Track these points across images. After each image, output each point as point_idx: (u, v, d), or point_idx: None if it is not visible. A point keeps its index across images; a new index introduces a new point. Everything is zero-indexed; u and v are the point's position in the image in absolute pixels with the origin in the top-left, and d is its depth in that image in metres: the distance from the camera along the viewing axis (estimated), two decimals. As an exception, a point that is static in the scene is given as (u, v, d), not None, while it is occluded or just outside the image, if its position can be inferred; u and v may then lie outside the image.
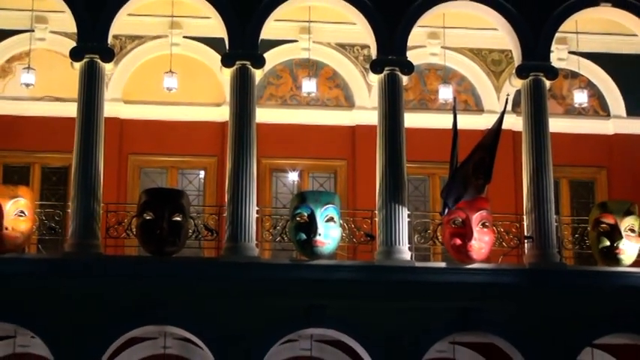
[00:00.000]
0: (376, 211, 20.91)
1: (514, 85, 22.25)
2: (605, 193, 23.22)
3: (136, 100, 23.17)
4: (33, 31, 22.39)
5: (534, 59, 21.58)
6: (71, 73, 21.22)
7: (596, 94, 23.91)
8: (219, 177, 22.37)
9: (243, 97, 21.04)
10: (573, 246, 21.68)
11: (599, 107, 23.94)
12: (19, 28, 22.58)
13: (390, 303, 20.23)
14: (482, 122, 22.82)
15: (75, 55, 20.96)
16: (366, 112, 23.04)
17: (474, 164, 20.09)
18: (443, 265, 20.96)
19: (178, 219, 20.12)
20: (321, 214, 20.23)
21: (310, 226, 20.15)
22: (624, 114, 23.80)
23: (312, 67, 23.32)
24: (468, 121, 21.86)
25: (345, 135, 23.44)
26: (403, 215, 20.69)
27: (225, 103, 21.83)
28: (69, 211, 20.55)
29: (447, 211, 20.36)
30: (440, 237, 20.98)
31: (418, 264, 20.79)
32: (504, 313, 20.42)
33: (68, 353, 19.69)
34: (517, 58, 21.80)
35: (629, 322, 20.58)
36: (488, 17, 22.00)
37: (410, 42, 21.61)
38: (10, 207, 19.79)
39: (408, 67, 21.45)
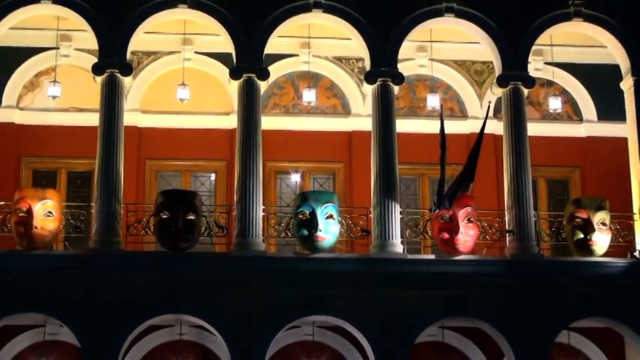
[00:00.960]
0: (371, 209, 20.92)
1: (495, 93, 22.19)
2: (578, 191, 23.17)
3: (152, 110, 23.13)
4: (58, 48, 22.39)
5: (513, 70, 21.57)
6: (93, 86, 21.27)
7: (569, 101, 23.86)
8: (228, 179, 22.33)
9: (249, 106, 21.08)
10: (550, 238, 21.68)
11: (573, 112, 23.92)
12: (46, 45, 22.50)
13: (384, 292, 20.23)
14: (466, 127, 22.91)
15: (97, 69, 21.01)
16: (361, 119, 23.03)
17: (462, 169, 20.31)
18: (432, 257, 20.96)
19: (192, 217, 20.15)
20: (322, 211, 20.27)
21: (312, 223, 20.20)
22: (595, 118, 23.73)
23: (312, 79, 23.32)
24: (454, 127, 21.89)
25: (343, 140, 23.40)
26: (396, 212, 20.72)
27: (234, 112, 21.82)
28: (92, 211, 20.62)
29: (436, 210, 20.37)
30: (429, 231, 20.97)
31: (410, 256, 20.80)
32: (488, 300, 20.46)
33: (93, 340, 19.72)
34: (497, 69, 21.80)
35: (602, 308, 20.61)
36: (471, 32, 22.02)
37: (400, 55, 21.61)
38: (39, 208, 19.82)
39: (399, 78, 21.46)
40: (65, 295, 19.81)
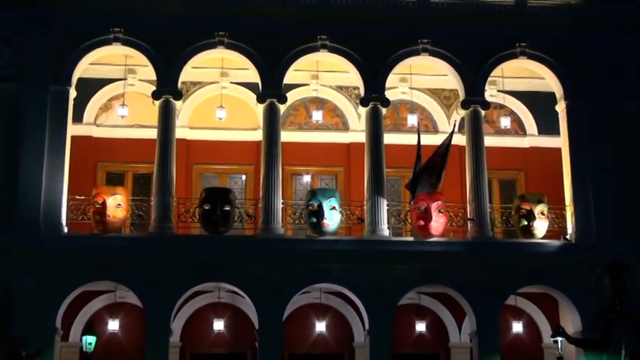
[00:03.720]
0: (365, 202, 20.94)
1: (459, 113, 22.26)
2: (523, 188, 23.02)
3: (197, 126, 22.96)
4: (126, 79, 22.26)
5: (473, 96, 21.51)
6: (152, 108, 21.32)
7: (516, 119, 23.68)
8: (255, 179, 22.21)
9: (271, 123, 21.11)
10: (501, 225, 21.61)
11: (519, 128, 23.77)
12: (117, 77, 22.47)
13: (375, 265, 20.22)
14: (437, 139, 22.39)
15: (155, 95, 21.06)
16: (357, 134, 22.82)
17: (431, 169, 20.29)
18: (411, 239, 21.00)
19: (227, 208, 20.23)
20: (327, 204, 20.33)
21: (319, 213, 20.27)
22: (536, 133, 23.55)
23: (320, 103, 23.21)
24: (427, 139, 21.52)
25: (343, 149, 23.27)
26: (383, 205, 20.78)
27: (259, 128, 21.76)
28: (152, 203, 20.69)
29: (413, 200, 20.49)
30: (409, 219, 21.04)
31: (394, 238, 20.86)
32: (454, 272, 20.47)
33: (152, 302, 19.82)
34: (461, 95, 21.77)
35: (541, 278, 20.63)
36: (441, 67, 22.00)
37: (387, 84, 21.61)
38: (111, 201, 19.96)
39: (386, 102, 21.50)
40: (131, 267, 19.87)
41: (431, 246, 20.54)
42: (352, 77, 22.09)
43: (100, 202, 19.92)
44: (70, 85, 20.85)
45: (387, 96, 21.55)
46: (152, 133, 21.17)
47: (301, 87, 23.01)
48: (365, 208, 20.88)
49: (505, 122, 22.98)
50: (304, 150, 22.94)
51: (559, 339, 19.87)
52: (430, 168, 20.27)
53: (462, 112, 21.87)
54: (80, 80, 21.35)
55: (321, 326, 22.13)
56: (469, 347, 21.61)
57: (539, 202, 20.86)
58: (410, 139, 21.63)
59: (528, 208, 20.76)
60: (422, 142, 20.62)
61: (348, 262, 20.26)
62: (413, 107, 23.41)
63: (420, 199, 20.35)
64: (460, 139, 22.05)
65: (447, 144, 20.48)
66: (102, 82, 22.64)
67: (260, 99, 21.33)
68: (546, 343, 22.28)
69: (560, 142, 22.02)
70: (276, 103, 21.23)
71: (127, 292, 20.67)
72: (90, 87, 22.30)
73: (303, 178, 23.18)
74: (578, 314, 20.44)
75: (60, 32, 20.84)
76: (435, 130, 23.41)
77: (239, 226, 20.97)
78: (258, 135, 22.00)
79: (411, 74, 22.70)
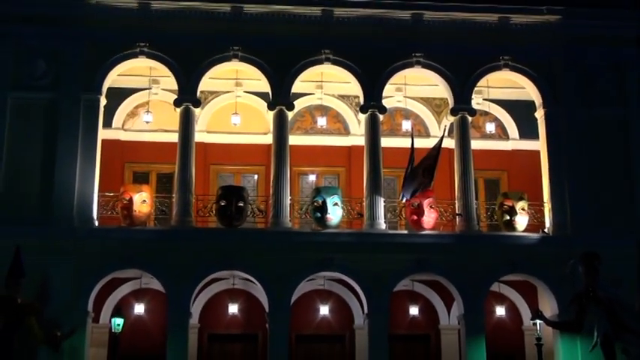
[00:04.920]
0: (364, 199, 20.90)
1: (449, 119, 22.12)
2: (506, 187, 22.92)
3: (214, 130, 22.86)
4: (150, 88, 22.20)
5: (461, 104, 21.44)
6: (174, 114, 21.28)
7: (500, 125, 23.59)
8: (266, 178, 22.15)
9: (280, 128, 21.06)
10: (486, 219, 21.65)
11: (502, 133, 23.66)
12: (142, 86, 22.46)
13: (373, 255, 20.16)
14: (429, 143, 22.29)
15: (177, 103, 21.00)
16: (357, 138, 22.76)
17: (423, 169, 20.27)
18: (405, 232, 20.93)
19: (241, 204, 20.17)
20: (330, 200, 20.29)
21: (323, 208, 20.21)
22: (518, 137, 23.42)
23: (323, 110, 23.15)
24: (420, 143, 21.54)
25: (344, 152, 23.19)
26: (381, 201, 20.74)
27: (270, 132, 21.70)
28: (173, 200, 20.59)
29: (404, 199, 20.45)
30: (404, 214, 21.02)
31: (390, 231, 20.76)
32: (444, 261, 20.43)
33: (174, 287, 19.78)
34: (451, 103, 21.67)
35: (521, 267, 20.53)
36: (432, 78, 21.95)
37: (384, 93, 21.52)
38: (137, 198, 19.95)
39: (383, 110, 21.43)
40: (155, 256, 19.87)
41: (423, 238, 20.52)
42: (353, 87, 22.05)
43: (127, 198, 19.91)
44: (101, 94, 20.84)
45: (384, 104, 21.50)
46: (174, 137, 21.15)
47: (307, 96, 22.88)
48: (364, 204, 20.86)
49: (490, 127, 23.03)
50: (310, 152, 22.88)
51: (538, 322, 19.81)
52: (423, 169, 20.24)
53: (451, 119, 21.80)
54: (110, 89, 21.30)
55: (324, 310, 22.06)
56: (457, 329, 21.58)
57: (520, 199, 20.83)
58: (404, 143, 21.56)
59: (510, 204, 20.73)
60: (415, 145, 20.65)
61: (348, 252, 20.24)
62: (407, 114, 23.32)
63: (414, 196, 20.35)
64: (449, 143, 22.00)
65: (437, 148, 20.47)
66: (129, 91, 22.54)
67: (270, 106, 21.28)
68: (526, 326, 22.20)
69: (539, 145, 21.94)
70: (285, 110, 21.20)
71: (151, 279, 20.65)
72: (118, 95, 22.27)
73: (309, 178, 23.11)
74: (555, 299, 20.36)
75: (91, 47, 20.87)
76: (427, 135, 23.31)
77: (251, 220, 20.84)
78: (268, 139, 21.99)
79: (405, 84, 22.68)
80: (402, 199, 20.59)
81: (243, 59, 21.22)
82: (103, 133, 21.07)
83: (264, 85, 21.44)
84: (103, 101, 20.98)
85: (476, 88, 21.88)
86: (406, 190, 20.28)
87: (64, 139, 20.24)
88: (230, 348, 21.82)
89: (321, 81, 22.53)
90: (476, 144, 22.04)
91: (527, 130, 23.00)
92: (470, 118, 21.63)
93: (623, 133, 21.55)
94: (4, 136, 20.17)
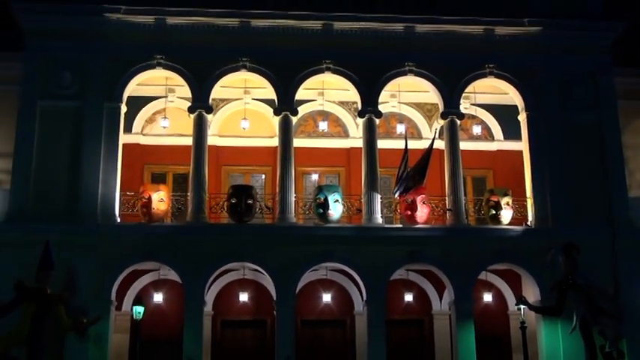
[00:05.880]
0: (362, 196, 20.91)
1: (439, 122, 22.05)
2: (492, 184, 22.82)
3: (225, 134, 22.80)
4: (167, 97, 22.30)
5: (451, 108, 21.44)
6: (188, 120, 21.26)
7: (486, 127, 23.51)
8: (273, 178, 22.10)
9: (285, 132, 21.11)
10: (474, 214, 21.58)
11: (488, 135, 23.58)
12: (159, 95, 22.49)
13: (371, 247, 20.18)
14: (421, 144, 22.57)
15: (191, 110, 21.00)
16: (356, 140, 22.74)
17: (416, 169, 20.32)
18: (400, 225, 20.93)
19: (250, 202, 20.22)
20: (331, 197, 20.31)
21: (325, 205, 20.25)
22: (502, 138, 23.35)
23: (325, 115, 23.12)
24: (413, 144, 21.65)
25: (344, 153, 23.12)
26: (377, 198, 20.76)
27: (276, 136, 21.66)
28: (188, 198, 20.60)
29: (396, 194, 20.45)
30: (398, 210, 20.98)
31: (386, 225, 20.77)
32: (436, 252, 20.46)
33: (189, 277, 19.81)
34: (441, 108, 21.62)
35: (507, 257, 20.56)
36: (424, 85, 21.93)
37: (380, 99, 21.54)
38: (155, 196, 20.02)
39: (379, 114, 21.46)
40: (172, 250, 19.81)
41: (416, 231, 20.52)
42: (351, 94, 22.01)
43: (147, 197, 19.98)
44: (122, 102, 20.87)
45: (379, 109, 21.52)
46: (188, 141, 21.16)
47: (310, 102, 22.86)
48: (362, 200, 20.87)
49: (477, 129, 23.01)
50: (312, 154, 22.82)
51: (522, 307, 19.80)
52: (416, 168, 20.23)
53: (442, 122, 21.77)
54: (129, 98, 21.35)
55: (327, 297, 22.07)
56: (448, 314, 21.51)
57: (505, 195, 20.85)
58: (399, 144, 21.55)
59: (496, 199, 20.75)
60: (408, 147, 20.74)
61: (348, 244, 20.26)
62: (401, 118, 23.31)
63: (407, 193, 20.33)
64: (440, 144, 22.03)
65: (428, 149, 20.50)
66: (147, 100, 22.56)
67: (276, 112, 21.31)
68: (511, 310, 22.16)
69: (522, 145, 21.91)
70: (290, 115, 21.23)
71: (168, 271, 20.66)
72: (137, 103, 22.27)
73: (312, 177, 23.04)
74: (538, 286, 20.33)
75: (113, 59, 20.92)
76: (420, 137, 23.28)
77: (260, 216, 20.83)
78: (274, 141, 21.93)
79: (399, 91, 22.63)
80: (394, 195, 20.60)
81: (251, 69, 21.23)
82: (123, 138, 21.08)
83: (271, 93, 21.45)
84: (123, 109, 21.03)
85: (464, 94, 21.88)
86: (399, 187, 20.28)
87: (88, 143, 20.30)
88: (241, 333, 21.81)
89: (323, 89, 22.52)
90: (464, 145, 21.94)
91: (511, 132, 22.91)
92: (458, 122, 21.62)
93: (599, 134, 21.57)
94: (34, 140, 20.31)
